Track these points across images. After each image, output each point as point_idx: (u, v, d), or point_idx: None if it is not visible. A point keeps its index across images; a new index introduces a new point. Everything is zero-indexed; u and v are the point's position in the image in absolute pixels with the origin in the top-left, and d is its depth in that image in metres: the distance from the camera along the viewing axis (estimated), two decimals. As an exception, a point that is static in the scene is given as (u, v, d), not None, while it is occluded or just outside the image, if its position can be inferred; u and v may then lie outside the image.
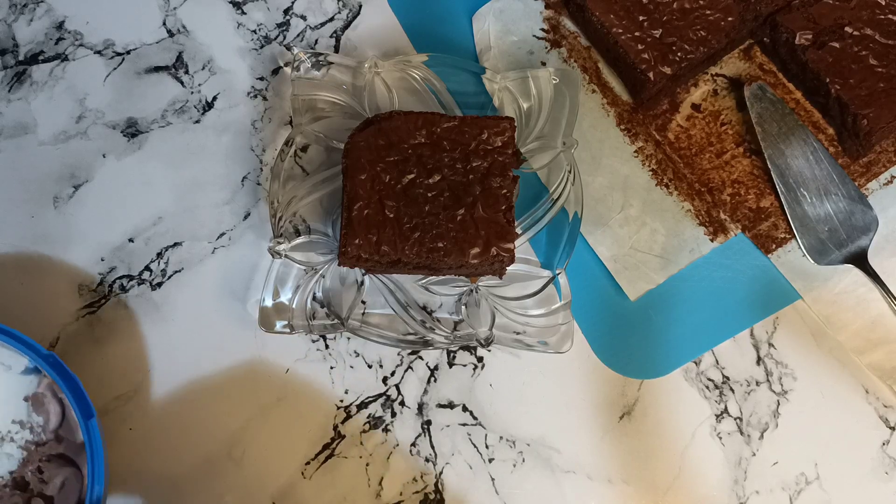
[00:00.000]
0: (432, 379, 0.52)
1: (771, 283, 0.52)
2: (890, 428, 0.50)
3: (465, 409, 0.51)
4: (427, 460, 0.50)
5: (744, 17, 0.54)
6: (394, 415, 0.51)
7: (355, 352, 0.52)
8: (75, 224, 0.54)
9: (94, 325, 0.52)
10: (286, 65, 0.57)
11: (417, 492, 0.50)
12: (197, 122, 0.56)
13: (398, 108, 0.53)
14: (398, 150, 0.48)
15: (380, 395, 0.51)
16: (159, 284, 0.53)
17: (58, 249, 0.53)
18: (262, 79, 0.57)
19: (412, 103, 0.54)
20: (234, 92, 0.57)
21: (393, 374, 0.52)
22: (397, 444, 0.51)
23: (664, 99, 0.55)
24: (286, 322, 0.50)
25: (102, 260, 0.53)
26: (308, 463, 0.50)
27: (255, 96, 0.57)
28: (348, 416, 0.51)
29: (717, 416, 0.51)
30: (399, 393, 0.51)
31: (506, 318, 0.51)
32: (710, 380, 0.51)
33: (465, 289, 0.51)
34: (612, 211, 0.53)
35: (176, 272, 0.53)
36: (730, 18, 0.53)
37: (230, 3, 0.59)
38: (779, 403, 0.51)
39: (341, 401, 0.51)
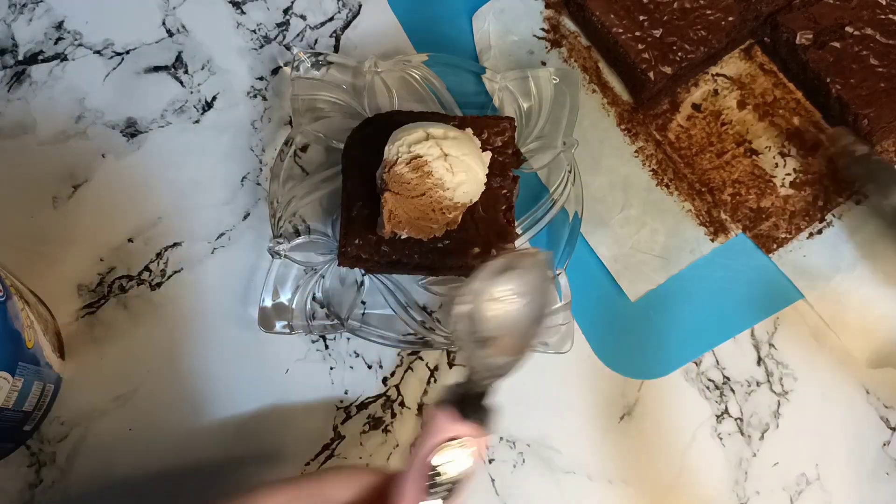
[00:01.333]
0: (432, 379, 0.52)
1: (771, 284, 0.52)
2: (890, 428, 0.50)
3: (465, 409, 0.51)
4: (427, 461, 0.50)
5: (744, 17, 0.53)
6: (394, 415, 0.51)
7: (355, 352, 0.52)
8: (75, 224, 0.54)
9: (93, 326, 0.52)
10: (286, 65, 0.57)
11: (417, 492, 0.50)
12: (196, 122, 0.56)
13: (398, 108, 0.53)
14: (398, 150, 0.48)
15: (380, 396, 0.51)
16: (159, 285, 0.53)
17: (57, 249, 0.53)
18: (261, 79, 0.57)
19: (412, 103, 0.54)
20: (234, 92, 0.57)
21: (393, 374, 0.52)
22: (397, 445, 0.50)
23: (664, 99, 0.55)
24: (286, 322, 0.50)
25: (102, 260, 0.53)
26: (308, 463, 0.50)
27: (255, 96, 0.57)
28: (348, 417, 0.51)
29: (718, 416, 0.51)
30: (399, 393, 0.51)
31: (506, 319, 0.50)
32: (710, 380, 0.51)
33: (465, 289, 0.51)
34: (613, 211, 0.53)
35: (175, 272, 0.53)
36: (730, 18, 0.53)
37: (230, 2, 0.59)
38: (779, 404, 0.51)
39: (341, 401, 0.51)
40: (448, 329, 0.41)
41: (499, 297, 0.39)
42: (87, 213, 0.54)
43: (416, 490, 0.36)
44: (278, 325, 0.50)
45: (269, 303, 0.50)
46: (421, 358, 0.52)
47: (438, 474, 0.37)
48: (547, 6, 0.58)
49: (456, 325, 0.39)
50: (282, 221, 0.51)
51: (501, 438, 0.50)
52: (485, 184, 0.46)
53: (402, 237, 0.46)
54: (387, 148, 0.45)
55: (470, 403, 0.38)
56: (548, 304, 0.43)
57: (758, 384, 0.51)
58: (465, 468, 0.37)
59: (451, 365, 0.52)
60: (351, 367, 0.52)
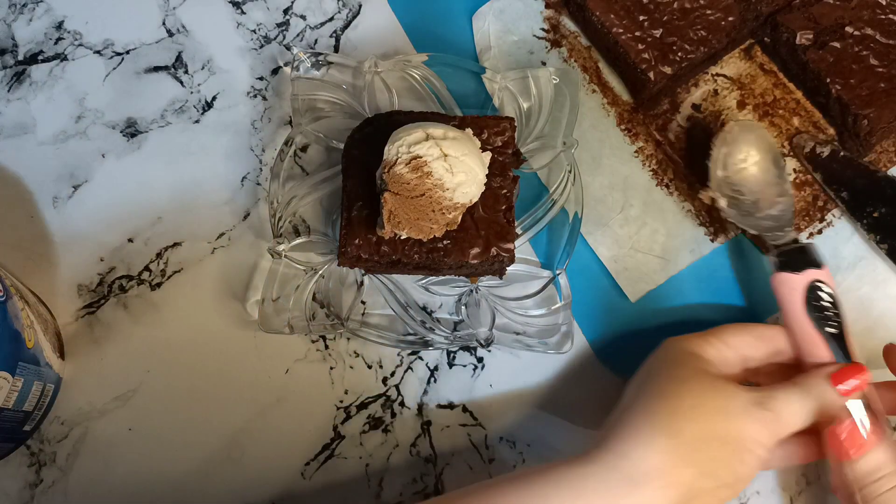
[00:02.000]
0: (432, 379, 0.52)
1: (771, 284, 0.52)
2: (891, 428, 0.50)
3: (465, 409, 0.51)
4: (427, 461, 0.50)
5: (744, 17, 0.53)
6: (393, 415, 0.51)
7: (355, 352, 0.52)
8: (75, 224, 0.54)
9: (93, 326, 0.52)
10: (286, 65, 0.57)
11: (417, 492, 0.50)
12: (196, 122, 0.56)
13: (398, 108, 0.53)
14: (398, 150, 0.48)
15: (379, 396, 0.51)
16: (159, 285, 0.53)
17: (57, 249, 0.53)
18: (261, 79, 0.57)
19: (412, 103, 0.54)
20: (234, 92, 0.57)
21: (393, 374, 0.52)
22: (397, 445, 0.50)
23: (664, 99, 0.55)
24: (286, 322, 0.50)
25: (102, 260, 0.53)
26: (308, 463, 0.50)
27: (255, 96, 0.57)
28: (348, 417, 0.51)
29: (718, 416, 0.51)
30: (399, 393, 0.51)
31: (506, 319, 0.51)
32: (710, 380, 0.51)
33: (465, 289, 0.51)
34: (613, 211, 0.53)
35: (175, 272, 0.53)
36: (730, 18, 0.53)
37: (230, 2, 0.59)
38: (779, 404, 0.51)
39: (341, 401, 0.51)
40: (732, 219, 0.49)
41: (735, 170, 0.49)
42: (87, 213, 0.54)
43: (816, 335, 0.44)
44: (278, 325, 0.50)
45: (269, 303, 0.50)
46: (421, 358, 0.52)
47: (824, 318, 0.44)
48: (547, 6, 0.58)
49: (729, 215, 0.49)
50: (282, 221, 0.51)
51: (501, 438, 0.51)
52: (485, 184, 0.46)
53: (402, 237, 0.46)
54: (386, 148, 0.45)
55: (792, 257, 0.45)
56: (774, 150, 0.50)
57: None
58: (833, 300, 0.44)
59: (451, 365, 0.52)
60: (351, 367, 0.52)
